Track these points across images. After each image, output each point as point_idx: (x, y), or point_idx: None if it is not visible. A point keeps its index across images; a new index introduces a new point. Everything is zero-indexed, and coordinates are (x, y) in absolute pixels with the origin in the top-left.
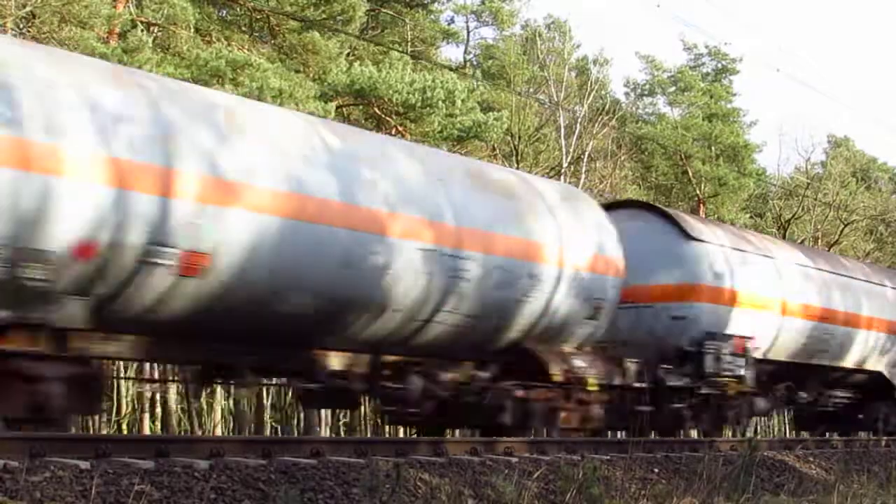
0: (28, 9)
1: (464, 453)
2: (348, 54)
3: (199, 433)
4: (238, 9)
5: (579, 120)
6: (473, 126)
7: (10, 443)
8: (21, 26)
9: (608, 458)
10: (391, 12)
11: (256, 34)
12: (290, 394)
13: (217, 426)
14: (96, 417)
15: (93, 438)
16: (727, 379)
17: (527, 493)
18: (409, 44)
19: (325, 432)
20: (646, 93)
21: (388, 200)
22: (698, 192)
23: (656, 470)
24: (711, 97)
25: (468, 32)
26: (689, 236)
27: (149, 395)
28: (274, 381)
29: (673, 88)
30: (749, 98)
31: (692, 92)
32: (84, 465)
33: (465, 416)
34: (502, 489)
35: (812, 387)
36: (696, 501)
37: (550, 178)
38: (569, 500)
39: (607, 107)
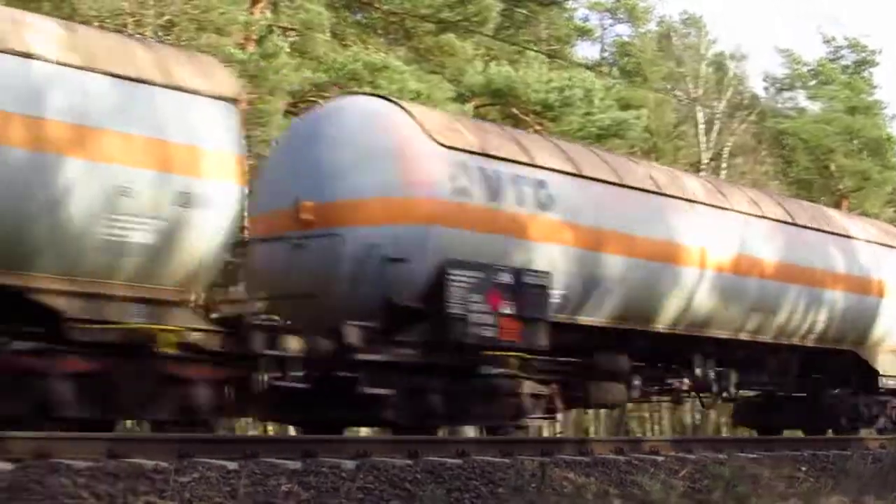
0: (166, 17)
1: (609, 452)
2: (484, 55)
3: (346, 433)
4: (374, 12)
5: (718, 116)
6: (613, 124)
7: (160, 444)
8: (160, 34)
9: (754, 456)
10: (525, 11)
11: (392, 37)
12: None
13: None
14: (243, 419)
15: (240, 439)
16: None
17: (673, 492)
18: (545, 43)
19: (470, 432)
20: (785, 87)
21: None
22: (840, 186)
23: (803, 468)
24: (852, 90)
25: (603, 30)
26: None
27: None
28: None
29: (813, 82)
30: (891, 90)
31: (832, 85)
32: (232, 465)
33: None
34: (648, 488)
35: None
36: (846, 500)
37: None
38: (716, 498)
39: (746, 102)
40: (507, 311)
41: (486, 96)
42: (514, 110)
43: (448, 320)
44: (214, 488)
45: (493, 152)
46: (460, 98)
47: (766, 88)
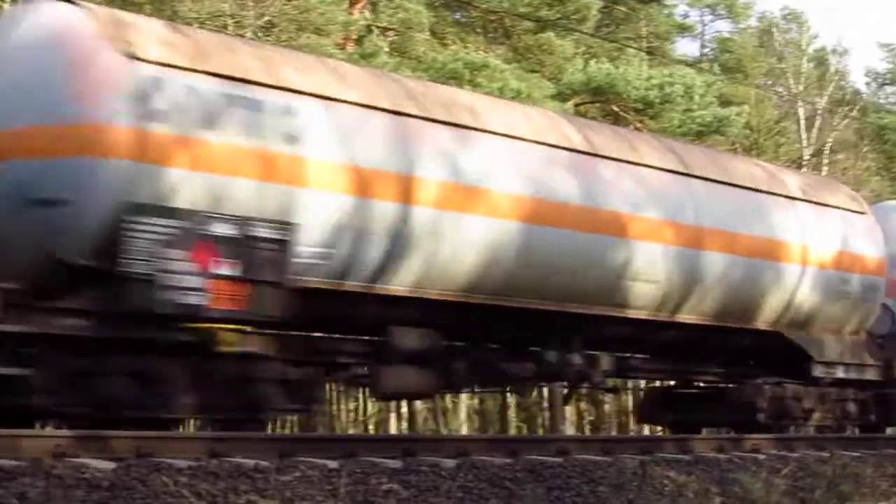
0: (266, 18)
1: (710, 451)
2: (583, 52)
3: (445, 433)
4: (472, 11)
5: (819, 112)
6: (713, 121)
7: (261, 443)
8: (260, 35)
9: (857, 454)
10: (625, 9)
11: (491, 36)
12: (534, 393)
13: (462, 425)
14: (343, 417)
15: (340, 438)
16: None
17: (775, 490)
18: (645, 40)
19: (570, 431)
20: (887, 82)
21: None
22: None
23: None
24: None
25: (703, 26)
26: None
27: None
28: None
29: None
30: None
31: None
32: (332, 464)
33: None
34: (750, 487)
35: None
36: None
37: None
38: (818, 497)
39: (848, 97)
40: (226, 271)
41: (587, 94)
42: (615, 108)
43: (125, 282)
44: (315, 487)
45: (211, 68)
46: (560, 96)
47: (867, 84)
